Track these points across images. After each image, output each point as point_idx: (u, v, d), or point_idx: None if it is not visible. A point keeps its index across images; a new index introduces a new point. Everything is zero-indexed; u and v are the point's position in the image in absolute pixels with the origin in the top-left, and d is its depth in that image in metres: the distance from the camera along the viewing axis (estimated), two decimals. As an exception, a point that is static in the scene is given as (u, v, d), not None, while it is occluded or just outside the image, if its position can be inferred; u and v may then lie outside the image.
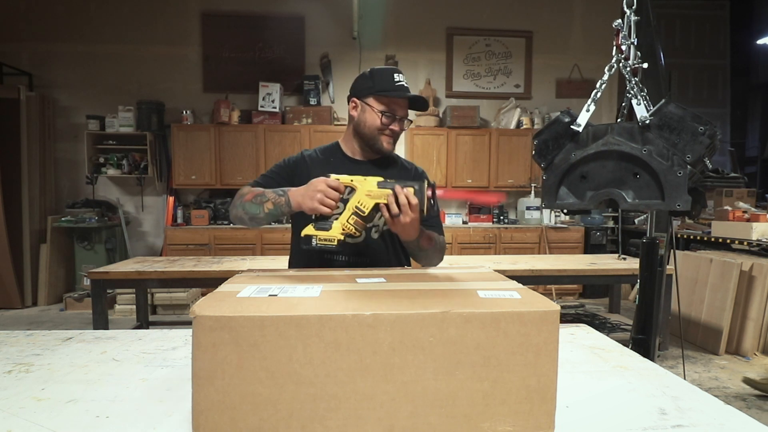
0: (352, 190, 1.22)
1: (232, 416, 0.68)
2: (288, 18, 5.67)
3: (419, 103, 1.50)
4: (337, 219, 1.21)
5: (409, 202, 1.16)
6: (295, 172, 1.49)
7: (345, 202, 1.23)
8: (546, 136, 1.69)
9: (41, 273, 5.18)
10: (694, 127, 1.49)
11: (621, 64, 1.66)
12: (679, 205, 1.51)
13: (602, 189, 1.61)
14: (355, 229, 1.20)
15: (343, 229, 1.19)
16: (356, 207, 1.19)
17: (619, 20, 1.64)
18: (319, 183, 1.20)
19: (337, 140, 1.59)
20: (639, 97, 1.59)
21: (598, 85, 1.68)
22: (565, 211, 1.88)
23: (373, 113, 1.45)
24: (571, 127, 1.62)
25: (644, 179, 1.57)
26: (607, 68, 1.67)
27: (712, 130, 1.48)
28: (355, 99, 1.49)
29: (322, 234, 1.19)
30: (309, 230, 1.20)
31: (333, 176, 1.22)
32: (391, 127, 1.46)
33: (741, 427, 0.79)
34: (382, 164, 1.55)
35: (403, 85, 1.45)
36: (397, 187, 1.17)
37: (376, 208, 1.20)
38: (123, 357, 1.11)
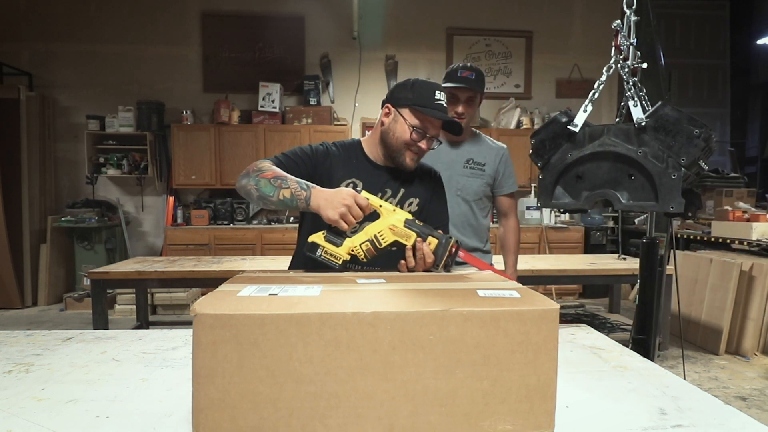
0: (377, 214, 1.18)
1: (232, 415, 0.68)
2: (288, 18, 5.67)
3: (453, 128, 1.46)
4: (349, 237, 1.16)
5: (425, 259, 1.14)
6: (318, 164, 1.43)
7: (363, 222, 1.19)
8: (543, 135, 1.69)
9: (41, 273, 5.18)
10: (689, 130, 1.49)
11: (619, 65, 1.65)
12: (672, 207, 1.50)
13: (598, 189, 1.61)
14: (365, 255, 1.15)
15: (352, 251, 1.15)
16: (375, 236, 1.15)
17: (618, 21, 1.64)
18: (348, 196, 1.15)
19: (359, 139, 1.55)
20: (636, 98, 1.59)
21: (596, 86, 1.68)
22: (562, 210, 1.88)
23: (404, 125, 1.40)
24: (568, 127, 1.62)
25: (639, 181, 1.57)
26: (605, 69, 1.67)
27: (707, 134, 1.48)
28: (389, 105, 1.43)
29: (329, 248, 1.14)
30: (318, 239, 1.15)
31: (364, 193, 1.17)
32: (419, 144, 1.41)
33: (741, 427, 0.79)
34: (403, 173, 1.50)
35: (442, 104, 1.40)
36: (419, 242, 1.14)
37: (394, 244, 1.16)
38: (123, 357, 1.11)
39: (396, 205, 1.45)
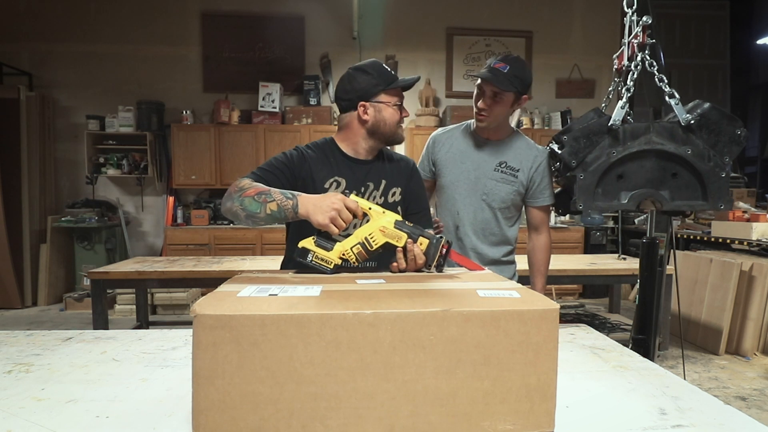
0: (366, 216, 1.18)
1: (232, 415, 0.68)
2: (288, 18, 5.67)
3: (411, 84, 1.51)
4: (339, 241, 1.16)
5: (416, 260, 1.14)
6: (297, 170, 1.43)
7: (354, 225, 1.19)
8: (578, 133, 1.64)
9: (41, 273, 5.18)
10: (731, 129, 1.51)
11: (647, 63, 1.65)
12: (722, 206, 1.52)
13: (639, 189, 1.59)
14: (356, 258, 1.15)
15: (343, 254, 1.14)
16: (366, 238, 1.14)
17: (648, 16, 1.63)
18: (337, 201, 1.14)
19: (331, 137, 1.54)
20: (677, 96, 1.58)
21: (629, 83, 1.68)
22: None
23: (389, 109, 1.43)
24: (611, 124, 1.59)
25: (683, 180, 1.56)
26: (633, 65, 1.67)
27: (746, 132, 1.50)
28: (364, 103, 1.43)
29: (320, 252, 1.13)
30: (308, 244, 1.14)
31: (353, 197, 1.17)
32: (403, 114, 1.47)
33: (741, 427, 0.79)
34: (381, 161, 1.53)
35: (394, 72, 1.47)
36: (410, 243, 1.14)
37: (385, 246, 1.15)
38: (123, 357, 1.11)
39: (381, 197, 1.49)
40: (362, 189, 1.47)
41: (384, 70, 1.45)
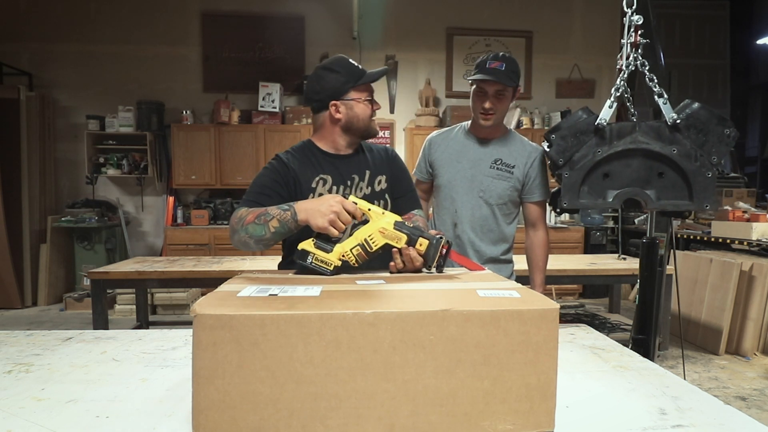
0: (365, 218, 1.18)
1: (232, 415, 0.68)
2: (288, 18, 5.67)
3: (380, 74, 1.51)
4: (339, 243, 1.16)
5: (413, 263, 1.15)
6: (285, 178, 1.44)
7: (353, 226, 1.19)
8: (566, 131, 1.65)
9: (41, 273, 5.18)
10: (720, 129, 1.51)
11: (639, 62, 1.65)
12: (707, 206, 1.52)
13: (625, 188, 1.60)
14: (356, 260, 1.15)
15: (343, 256, 1.14)
16: (365, 240, 1.15)
17: (640, 15, 1.64)
18: (335, 203, 1.15)
19: (308, 139, 1.55)
20: (665, 96, 1.58)
21: (618, 82, 1.68)
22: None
23: (361, 105, 1.44)
24: (597, 123, 1.60)
25: (669, 179, 1.57)
26: (625, 65, 1.67)
27: (735, 133, 1.50)
28: (335, 102, 1.44)
29: (320, 254, 1.13)
30: (308, 246, 1.14)
31: (352, 198, 1.18)
32: (374, 108, 1.48)
33: (741, 427, 0.79)
34: (361, 153, 1.55)
35: (364, 68, 1.48)
36: (404, 248, 1.14)
37: (384, 247, 1.15)
38: (123, 357, 1.11)
39: (367, 187, 1.50)
40: (348, 183, 1.48)
41: (351, 66, 1.45)
